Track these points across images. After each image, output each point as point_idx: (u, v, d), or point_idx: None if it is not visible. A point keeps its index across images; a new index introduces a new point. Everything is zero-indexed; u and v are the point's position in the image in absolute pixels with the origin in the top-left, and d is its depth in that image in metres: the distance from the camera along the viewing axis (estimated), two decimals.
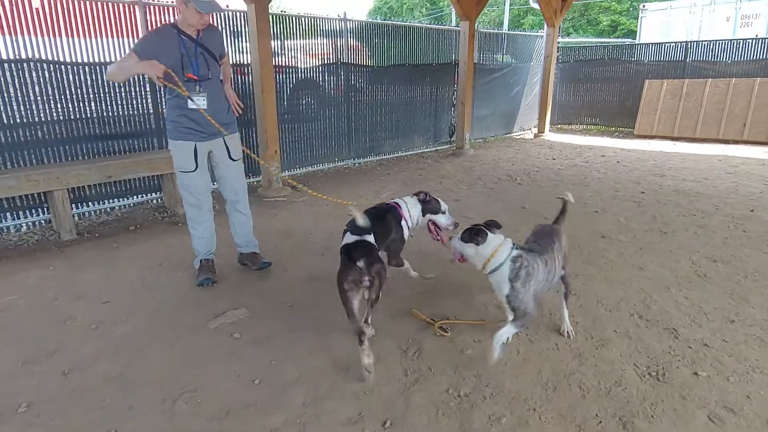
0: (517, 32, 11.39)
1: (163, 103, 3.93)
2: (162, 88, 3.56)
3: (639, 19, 13.88)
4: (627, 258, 3.89)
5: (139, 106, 5.26)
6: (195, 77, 3.06)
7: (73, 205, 4.87)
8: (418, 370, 2.47)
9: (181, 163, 3.22)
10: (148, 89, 5.25)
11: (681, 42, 10.03)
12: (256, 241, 3.70)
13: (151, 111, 5.34)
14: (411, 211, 3.05)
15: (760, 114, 8.70)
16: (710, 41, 9.72)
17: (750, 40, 9.25)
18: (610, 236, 4.38)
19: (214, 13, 3.10)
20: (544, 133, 10.47)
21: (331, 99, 7.11)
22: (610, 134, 10.61)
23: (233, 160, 3.37)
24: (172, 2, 5.20)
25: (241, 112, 3.40)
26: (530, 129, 10.88)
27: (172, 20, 4.10)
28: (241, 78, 5.87)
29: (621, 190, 6.04)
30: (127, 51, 3.71)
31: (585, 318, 2.97)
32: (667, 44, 10.23)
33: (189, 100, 3.03)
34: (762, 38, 9.22)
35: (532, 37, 10.79)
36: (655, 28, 13.40)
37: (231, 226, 3.60)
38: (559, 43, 11.51)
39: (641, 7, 13.83)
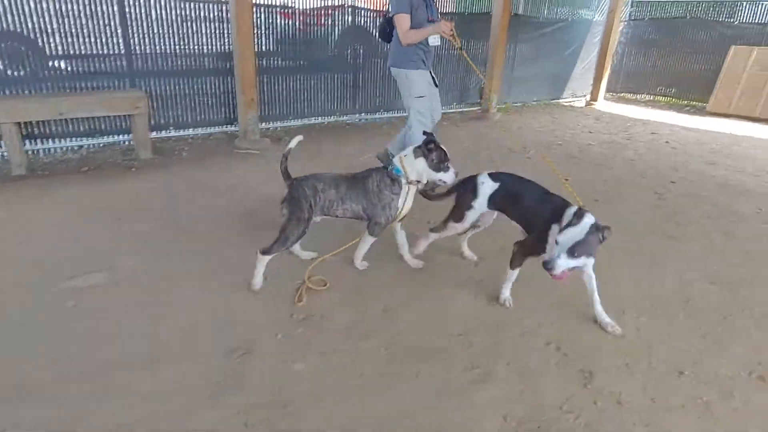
0: None
1: (136, 43, 4.99)
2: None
3: None
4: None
5: (111, 44, 4.97)
6: (433, 20, 3.81)
7: (35, 141, 4.77)
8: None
9: (421, 88, 3.91)
10: (119, 29, 4.94)
11: None
12: None
13: (123, 51, 5.05)
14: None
15: None
16: None
17: None
18: None
19: None
20: (597, 101, 9.17)
21: (335, 47, 6.47)
22: (679, 108, 9.09)
23: (437, 86, 4.14)
24: None
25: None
26: (584, 96, 9.57)
27: None
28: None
29: (649, 176, 5.03)
30: None
31: (484, 340, 2.33)
32: (764, 2, 8.41)
33: (432, 38, 3.83)
34: None
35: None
36: None
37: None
38: None
39: None
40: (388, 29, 4.04)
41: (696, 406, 1.99)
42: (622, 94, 10.17)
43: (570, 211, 2.24)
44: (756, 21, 8.41)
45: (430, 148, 2.56)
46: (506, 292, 2.60)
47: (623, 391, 2.05)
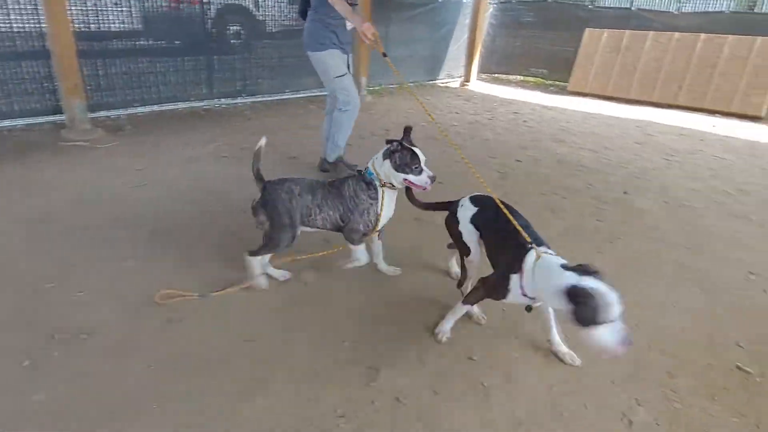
0: None
1: None
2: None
3: None
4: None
5: None
6: (353, 3, 3.64)
7: None
8: None
9: (336, 67, 3.80)
10: None
11: None
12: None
13: None
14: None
15: (699, 76, 7.74)
16: None
17: None
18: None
19: None
20: (470, 82, 9.40)
21: (184, 21, 5.95)
22: (545, 88, 9.57)
23: (351, 72, 3.99)
24: None
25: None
26: (460, 77, 9.77)
27: None
28: None
29: (499, 156, 5.17)
30: None
31: (273, 345, 2.16)
32: None
33: (348, 22, 3.63)
34: None
35: None
36: None
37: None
38: None
39: None
40: (303, 8, 3.91)
41: (476, 393, 1.98)
42: (497, 75, 10.52)
43: (529, 260, 1.84)
44: (607, 5, 9.01)
45: (392, 150, 2.37)
46: (447, 326, 2.25)
47: (406, 385, 1.98)
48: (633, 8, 8.63)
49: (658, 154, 5.46)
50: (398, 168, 2.38)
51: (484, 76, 10.57)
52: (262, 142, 2.40)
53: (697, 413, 1.94)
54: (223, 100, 6.53)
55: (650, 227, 3.62)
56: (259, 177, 2.42)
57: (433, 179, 2.40)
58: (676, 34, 7.98)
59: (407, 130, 2.49)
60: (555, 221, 3.65)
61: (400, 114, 6.84)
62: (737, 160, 5.42)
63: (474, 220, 2.28)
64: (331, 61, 3.80)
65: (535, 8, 9.76)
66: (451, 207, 2.42)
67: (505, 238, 2.02)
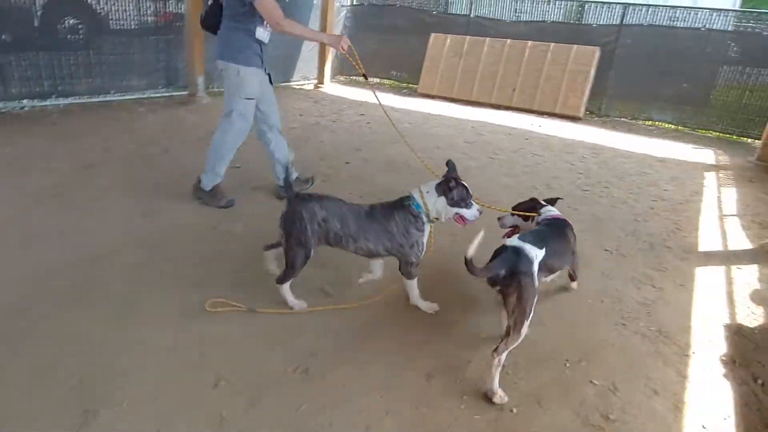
0: None
1: None
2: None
3: None
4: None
5: None
6: None
7: None
8: None
9: (253, 90, 3.41)
10: None
11: None
12: None
13: None
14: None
15: (528, 80, 8.40)
16: None
17: (526, 1, 8.85)
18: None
19: None
20: (324, 84, 9.31)
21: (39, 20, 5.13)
22: (398, 90, 9.80)
23: (272, 84, 3.63)
24: None
25: None
26: (314, 79, 9.64)
27: None
28: None
29: (329, 158, 5.10)
30: None
31: None
32: None
33: (262, 32, 3.31)
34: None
35: None
36: None
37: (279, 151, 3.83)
38: None
39: None
40: (217, 17, 3.33)
41: (213, 421, 1.79)
42: (354, 77, 10.57)
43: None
44: (447, 12, 9.45)
45: (452, 186, 2.38)
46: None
47: (129, 428, 1.73)
48: (472, 15, 9.14)
49: (485, 153, 5.77)
50: (454, 203, 2.40)
51: (342, 78, 10.56)
52: (291, 156, 2.53)
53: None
54: (25, 101, 5.70)
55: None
56: (288, 186, 2.40)
57: (480, 212, 2.48)
58: (509, 41, 8.59)
59: (451, 165, 2.57)
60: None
61: None
62: (551, 157, 5.90)
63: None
64: (250, 80, 3.37)
65: (386, 12, 9.95)
66: (513, 262, 2.11)
67: None
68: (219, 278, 2.74)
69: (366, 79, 3.56)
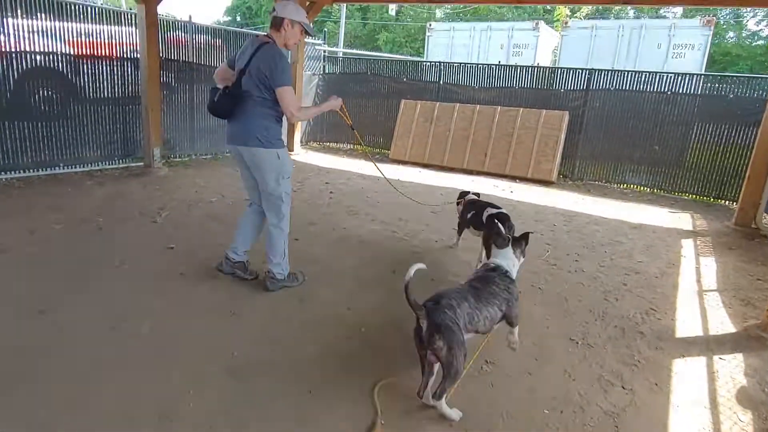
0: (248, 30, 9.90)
1: None
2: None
3: (426, 38, 13.50)
4: None
5: None
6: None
7: None
8: None
9: (291, 167, 3.45)
10: None
11: (435, 62, 9.44)
12: None
13: None
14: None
15: (500, 145, 8.27)
16: (460, 64, 9.23)
17: (495, 66, 8.88)
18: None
19: None
20: (293, 151, 9.13)
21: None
22: (371, 156, 9.64)
23: None
24: None
25: None
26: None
27: None
28: None
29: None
30: None
31: None
32: (422, 63, 9.60)
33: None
34: (505, 65, 8.94)
35: None
36: (441, 48, 13.09)
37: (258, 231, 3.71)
38: (325, 51, 10.42)
39: (428, 25, 13.49)
40: (234, 105, 3.20)
41: None
42: (328, 143, 10.46)
43: None
44: (417, 79, 9.48)
45: (524, 240, 2.96)
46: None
47: None
48: (442, 82, 9.15)
49: (448, 226, 5.43)
50: (523, 254, 2.96)
51: (315, 144, 10.45)
52: (412, 272, 2.29)
53: None
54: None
55: (396, 317, 3.32)
56: (417, 305, 2.27)
57: None
58: (478, 106, 8.54)
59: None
60: (301, 313, 3.21)
61: (193, 187, 6.18)
62: (520, 227, 5.53)
63: None
64: (288, 160, 3.41)
65: (358, 80, 9.98)
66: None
67: None
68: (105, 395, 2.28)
69: (353, 129, 3.99)
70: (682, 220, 6.43)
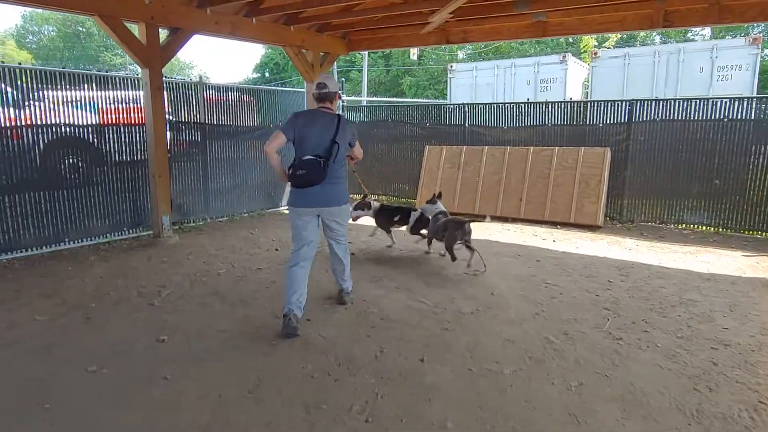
0: (270, 87, 9.67)
1: None
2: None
3: (448, 80, 13.11)
4: None
5: None
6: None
7: None
8: None
9: None
10: None
11: (459, 104, 8.92)
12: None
13: None
14: None
15: (535, 188, 7.56)
16: (485, 104, 8.69)
17: (523, 105, 8.28)
18: None
19: None
20: None
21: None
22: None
23: None
24: None
25: None
26: None
27: None
28: None
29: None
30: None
31: None
32: (445, 106, 9.11)
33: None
34: (535, 102, 8.32)
35: (293, 93, 9.15)
36: (464, 89, 12.65)
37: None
38: (344, 102, 10.11)
39: (449, 67, 13.11)
40: (326, 172, 3.55)
41: None
42: (352, 195, 9.95)
43: None
44: (440, 123, 8.95)
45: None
46: None
47: None
48: (467, 125, 8.59)
49: (484, 289, 4.70)
50: None
51: None
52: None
53: None
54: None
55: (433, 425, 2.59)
56: (461, 221, 4.67)
57: None
58: (509, 148, 7.90)
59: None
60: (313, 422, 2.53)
61: (203, 256, 5.68)
62: (569, 285, 4.80)
63: None
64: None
65: (378, 127, 9.56)
66: None
67: None
68: None
69: (354, 172, 4.84)
70: (762, 265, 5.49)
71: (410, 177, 9.24)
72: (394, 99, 16.42)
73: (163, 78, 6.02)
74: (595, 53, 11.74)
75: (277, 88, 9.32)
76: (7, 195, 5.42)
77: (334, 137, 3.56)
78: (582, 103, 7.94)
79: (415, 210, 5.92)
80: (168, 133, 6.55)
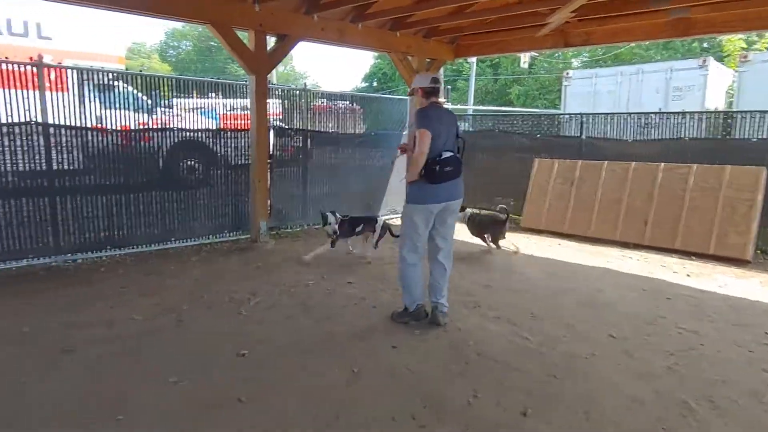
0: (373, 95, 9.42)
1: None
2: None
3: (563, 88, 12.10)
4: None
5: None
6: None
7: None
8: None
9: None
10: None
11: (575, 114, 8.06)
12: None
13: None
14: None
15: (664, 211, 6.52)
16: (607, 114, 7.73)
17: (653, 115, 7.24)
18: None
19: None
20: None
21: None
22: None
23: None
24: None
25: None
26: None
27: None
28: None
29: (375, 336, 3.77)
30: None
31: None
32: (560, 116, 8.31)
33: None
34: (670, 113, 7.23)
35: (397, 100, 8.87)
36: (581, 98, 11.58)
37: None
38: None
39: (565, 74, 12.10)
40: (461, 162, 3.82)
41: None
42: None
43: None
44: (552, 133, 8.18)
45: None
46: None
47: None
48: (583, 136, 7.74)
49: (601, 329, 4.00)
50: None
51: None
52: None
53: None
54: (72, 255, 5.42)
55: None
56: (500, 210, 5.41)
57: None
58: (633, 164, 6.94)
59: None
60: None
61: (291, 267, 5.57)
62: (712, 334, 3.92)
63: None
64: None
65: (483, 136, 9.00)
66: None
67: None
68: None
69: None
70: None
71: (515, 191, 8.55)
72: (503, 108, 15.48)
73: (274, 85, 6.10)
74: (745, 57, 10.10)
75: (381, 95, 9.18)
76: (130, 194, 5.76)
77: (458, 132, 3.80)
78: (730, 114, 6.74)
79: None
80: (272, 138, 6.64)
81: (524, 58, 27.51)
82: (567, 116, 8.28)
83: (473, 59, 25.62)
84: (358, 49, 9.01)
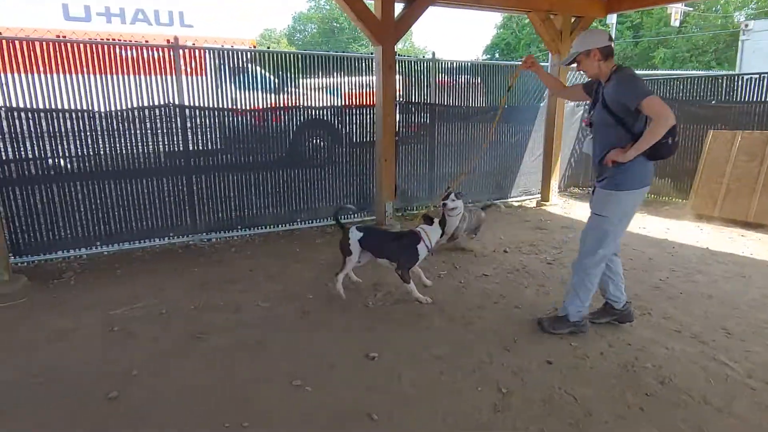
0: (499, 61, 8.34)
1: None
2: None
3: (740, 42, 9.94)
4: None
5: None
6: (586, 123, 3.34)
7: None
8: None
9: None
10: None
11: (764, 73, 6.42)
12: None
13: None
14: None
15: None
16: None
17: None
18: None
19: None
20: (548, 201, 7.41)
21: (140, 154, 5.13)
22: (657, 208, 7.16)
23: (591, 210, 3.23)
24: None
25: (611, 165, 2.97)
26: (539, 194, 7.82)
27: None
28: None
29: (520, 352, 3.17)
30: None
31: None
32: (740, 77, 6.70)
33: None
34: None
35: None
36: (765, 54, 9.40)
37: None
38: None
39: (743, 26, 9.91)
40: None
41: None
42: (587, 189, 8.37)
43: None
44: (732, 100, 6.64)
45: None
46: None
47: None
48: None
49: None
50: None
51: (576, 190, 8.50)
52: None
53: None
54: (206, 234, 5.53)
55: None
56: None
57: None
58: None
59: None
60: None
61: None
62: None
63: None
64: None
65: None
66: None
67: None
68: None
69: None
70: None
71: (679, 170, 7.22)
72: (659, 72, 13.17)
73: (401, 56, 5.61)
74: None
75: (508, 62, 8.20)
76: (259, 173, 5.74)
77: None
78: None
79: None
80: (397, 115, 6.20)
81: (675, 15, 23.93)
82: (750, 77, 6.66)
83: (612, 19, 22.87)
84: (493, 11, 8.15)
